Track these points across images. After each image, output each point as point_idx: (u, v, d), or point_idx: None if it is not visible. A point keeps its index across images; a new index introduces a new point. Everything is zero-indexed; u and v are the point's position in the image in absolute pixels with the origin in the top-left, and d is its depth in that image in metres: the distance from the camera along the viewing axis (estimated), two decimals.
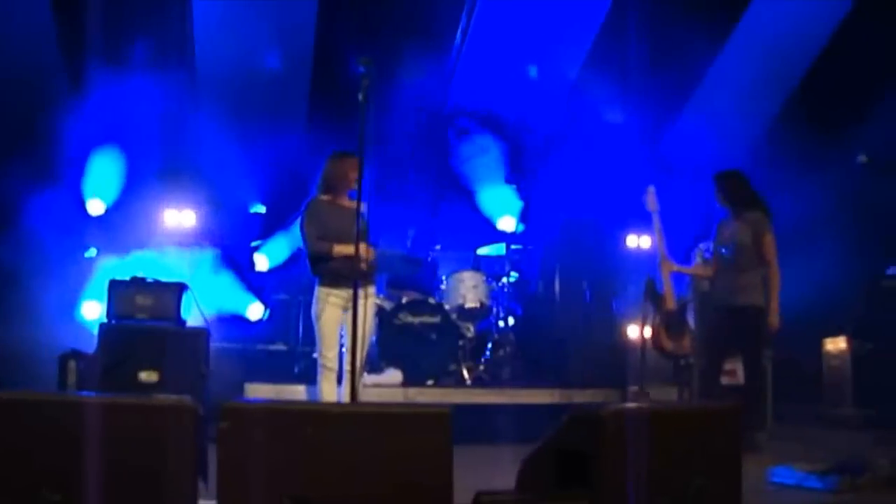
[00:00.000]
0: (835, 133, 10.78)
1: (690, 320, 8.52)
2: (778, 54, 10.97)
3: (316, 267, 7.25)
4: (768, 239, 7.93)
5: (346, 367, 7.06)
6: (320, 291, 7.15)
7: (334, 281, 7.05)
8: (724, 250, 8.06)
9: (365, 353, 7.05)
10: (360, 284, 6.85)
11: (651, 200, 8.37)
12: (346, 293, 6.91)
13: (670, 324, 8.06)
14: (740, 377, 8.19)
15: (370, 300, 7.22)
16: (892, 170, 8.16)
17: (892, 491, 5.77)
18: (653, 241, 8.55)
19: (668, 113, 11.86)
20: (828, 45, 10.85)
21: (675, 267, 8.47)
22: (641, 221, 11.42)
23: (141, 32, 9.97)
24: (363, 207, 6.38)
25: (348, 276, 6.61)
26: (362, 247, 6.56)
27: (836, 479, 5.83)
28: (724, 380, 8.10)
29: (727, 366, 8.23)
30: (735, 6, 10.68)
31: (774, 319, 7.76)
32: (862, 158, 7.25)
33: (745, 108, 11.50)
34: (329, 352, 7.12)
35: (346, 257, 6.75)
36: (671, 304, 8.12)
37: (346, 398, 6.89)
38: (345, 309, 7.05)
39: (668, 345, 8.36)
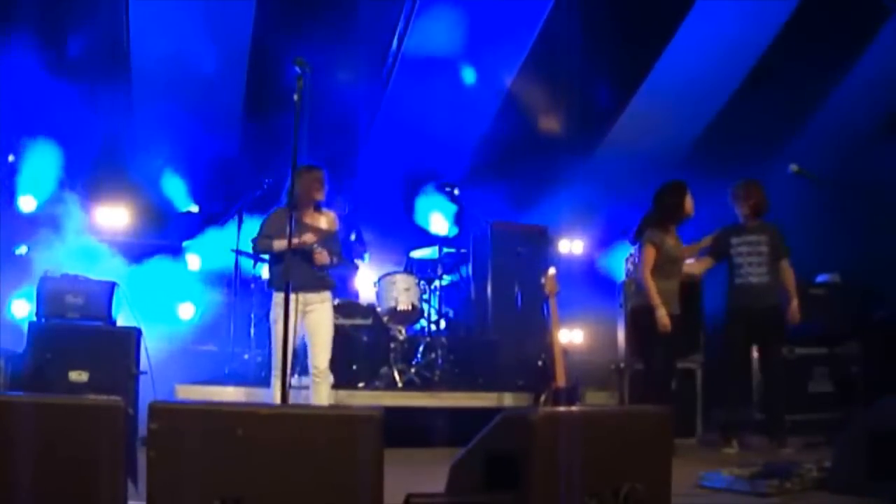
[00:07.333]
0: (767, 142, 10.95)
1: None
2: (712, 64, 11.11)
3: (269, 271, 7.42)
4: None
5: (311, 370, 7.28)
6: (275, 296, 7.18)
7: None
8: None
9: (326, 356, 7.23)
10: (314, 289, 7.14)
11: (550, 283, 8.19)
12: (299, 297, 7.00)
13: (559, 401, 7.98)
14: None
15: (326, 304, 7.32)
16: (822, 179, 8.28)
17: (818, 494, 5.87)
18: (549, 321, 8.13)
19: (604, 120, 11.96)
20: (765, 52, 11.01)
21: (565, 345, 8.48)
22: (573, 227, 11.58)
23: (77, 30, 9.86)
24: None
25: (297, 282, 6.69)
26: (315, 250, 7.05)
27: (765, 482, 5.91)
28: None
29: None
30: (673, 16, 10.79)
31: None
32: (793, 168, 7.36)
33: (679, 114, 11.63)
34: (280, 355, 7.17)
35: (297, 263, 6.76)
36: (562, 381, 8.05)
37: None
38: (302, 313, 7.13)
39: None
